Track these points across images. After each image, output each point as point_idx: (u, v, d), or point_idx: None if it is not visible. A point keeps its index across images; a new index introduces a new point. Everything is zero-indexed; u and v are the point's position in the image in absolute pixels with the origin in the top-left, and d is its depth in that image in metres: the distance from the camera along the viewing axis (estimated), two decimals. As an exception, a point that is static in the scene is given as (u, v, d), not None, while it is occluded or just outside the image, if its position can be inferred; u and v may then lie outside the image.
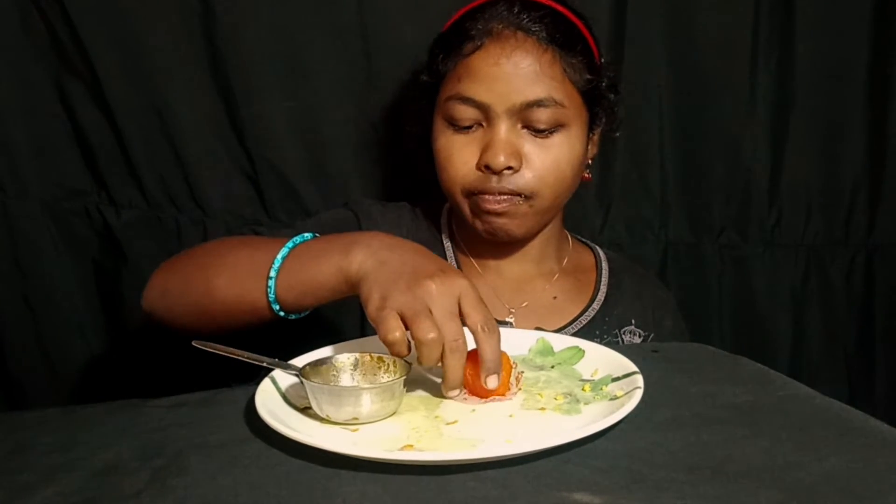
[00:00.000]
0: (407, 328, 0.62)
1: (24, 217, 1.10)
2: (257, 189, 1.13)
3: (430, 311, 0.62)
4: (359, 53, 1.09)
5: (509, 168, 0.85)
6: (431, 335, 0.60)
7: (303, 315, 0.76)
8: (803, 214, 1.21)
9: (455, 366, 0.62)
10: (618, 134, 0.99)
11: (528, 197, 0.87)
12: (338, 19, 1.08)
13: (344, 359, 0.67)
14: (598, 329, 0.93)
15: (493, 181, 0.86)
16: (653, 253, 1.23)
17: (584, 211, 1.18)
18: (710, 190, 1.20)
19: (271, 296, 0.72)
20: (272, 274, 0.72)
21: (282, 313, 0.74)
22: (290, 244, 0.74)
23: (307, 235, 0.76)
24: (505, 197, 0.86)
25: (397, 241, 0.70)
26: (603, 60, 0.93)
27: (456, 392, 0.64)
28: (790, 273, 1.22)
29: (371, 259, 0.67)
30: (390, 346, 0.62)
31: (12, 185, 1.10)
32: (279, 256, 0.73)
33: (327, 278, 0.70)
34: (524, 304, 0.94)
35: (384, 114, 1.11)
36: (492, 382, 0.63)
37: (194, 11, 1.05)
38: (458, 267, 0.97)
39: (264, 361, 0.66)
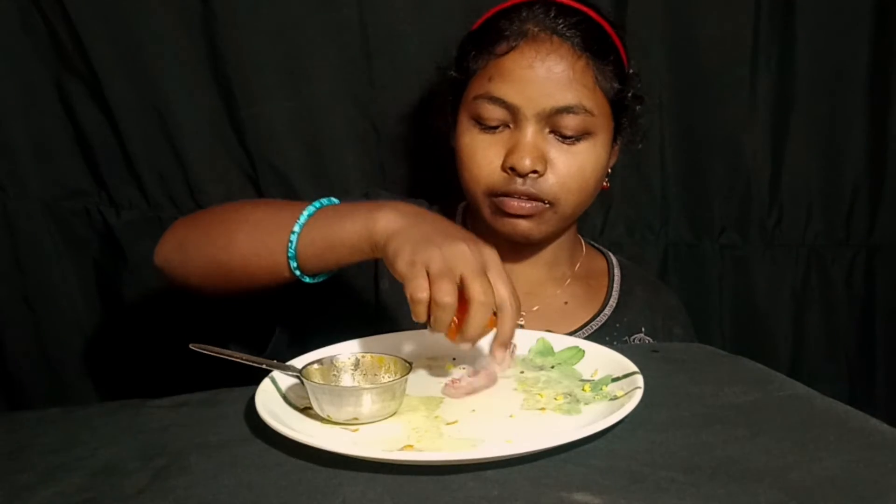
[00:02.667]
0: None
1: (24, 217, 1.10)
2: (257, 189, 1.13)
3: (455, 275, 0.62)
4: (359, 53, 1.09)
5: (534, 172, 0.84)
6: (448, 299, 0.61)
7: (318, 280, 0.76)
8: (804, 214, 1.20)
9: (478, 320, 0.62)
10: (640, 146, 0.98)
11: (551, 203, 0.87)
12: (338, 19, 1.07)
13: (344, 359, 0.67)
14: (607, 335, 0.93)
15: (518, 184, 0.85)
16: (653, 253, 1.23)
17: (585, 212, 1.18)
18: (710, 190, 1.20)
19: (291, 251, 0.72)
20: (296, 229, 0.72)
21: (298, 272, 0.73)
22: (316, 204, 0.74)
23: (334, 199, 0.76)
24: (526, 202, 0.86)
25: (424, 210, 0.71)
26: (631, 70, 0.92)
27: (468, 346, 0.64)
28: (790, 273, 1.22)
29: (400, 219, 0.68)
30: (414, 305, 0.62)
31: (12, 185, 1.10)
32: (305, 213, 0.73)
33: (350, 235, 0.70)
34: (535, 308, 0.94)
35: (384, 114, 1.11)
36: (499, 354, 0.65)
37: (194, 11, 1.05)
38: None
39: (263, 363, 0.66)
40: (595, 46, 0.86)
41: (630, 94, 0.91)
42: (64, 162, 1.10)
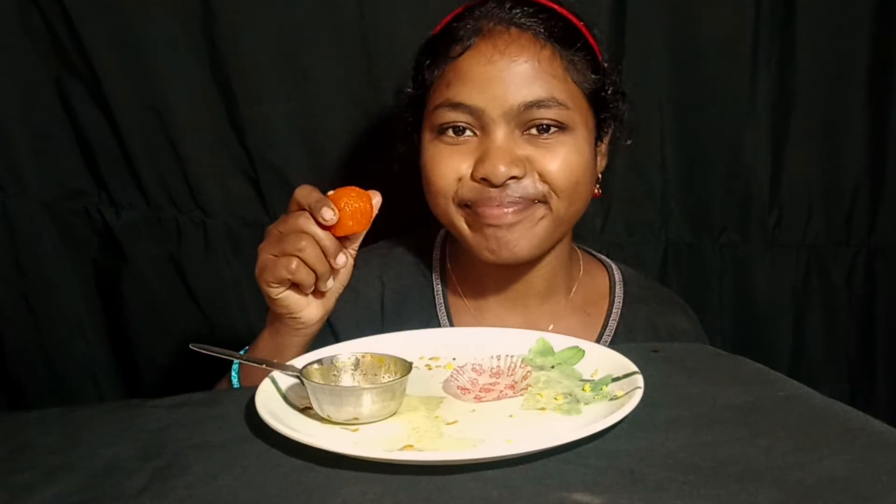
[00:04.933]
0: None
1: (24, 217, 1.11)
2: (257, 189, 1.13)
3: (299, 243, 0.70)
4: (359, 54, 1.09)
5: (513, 178, 0.76)
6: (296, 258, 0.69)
7: None
8: (804, 214, 1.20)
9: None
10: (630, 142, 0.91)
11: (542, 201, 0.78)
12: (338, 20, 1.08)
13: (344, 359, 0.66)
14: None
15: (493, 193, 0.76)
16: (653, 253, 1.23)
17: (582, 216, 1.17)
18: (710, 190, 1.20)
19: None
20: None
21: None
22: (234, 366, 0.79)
23: (236, 366, 0.80)
24: (512, 208, 0.77)
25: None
26: (607, 65, 0.85)
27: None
28: (791, 273, 1.22)
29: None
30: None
31: (12, 184, 1.10)
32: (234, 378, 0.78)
33: (295, 344, 0.75)
34: None
35: (384, 114, 1.11)
36: (327, 215, 0.69)
37: (194, 11, 1.05)
38: (450, 313, 0.89)
39: (263, 363, 0.66)
40: (560, 34, 0.78)
41: (609, 89, 0.83)
42: (64, 162, 1.11)
